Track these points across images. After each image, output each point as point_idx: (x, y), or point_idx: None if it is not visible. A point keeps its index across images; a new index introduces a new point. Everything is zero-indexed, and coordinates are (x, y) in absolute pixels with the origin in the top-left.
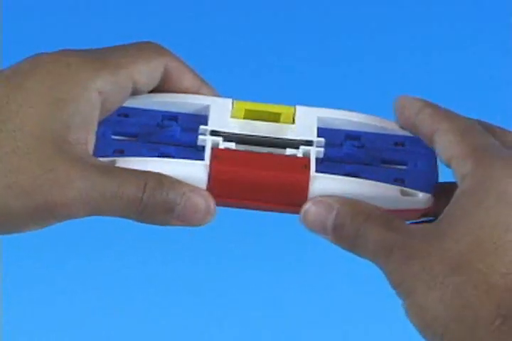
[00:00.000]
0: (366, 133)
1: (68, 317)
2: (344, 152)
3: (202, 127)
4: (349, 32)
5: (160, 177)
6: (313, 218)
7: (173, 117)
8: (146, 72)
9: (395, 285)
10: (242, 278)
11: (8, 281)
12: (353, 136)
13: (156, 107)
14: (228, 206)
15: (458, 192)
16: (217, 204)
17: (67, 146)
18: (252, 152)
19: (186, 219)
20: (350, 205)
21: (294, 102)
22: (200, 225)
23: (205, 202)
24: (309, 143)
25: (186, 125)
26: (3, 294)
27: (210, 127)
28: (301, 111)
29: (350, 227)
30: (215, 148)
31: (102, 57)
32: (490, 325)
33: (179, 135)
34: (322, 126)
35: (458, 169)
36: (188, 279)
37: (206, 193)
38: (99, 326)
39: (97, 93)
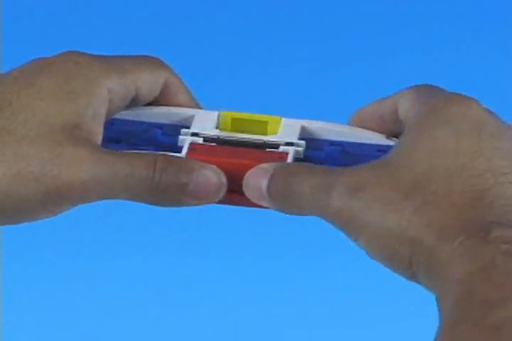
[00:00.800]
0: (350, 143)
1: (68, 316)
2: (325, 154)
3: (183, 130)
4: (342, 40)
5: (168, 157)
6: (251, 183)
7: (158, 126)
8: (149, 81)
9: (343, 224)
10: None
11: (8, 281)
12: (335, 144)
13: (142, 118)
14: (227, 202)
15: (405, 128)
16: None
17: (78, 132)
18: (229, 147)
19: (200, 195)
20: (287, 165)
21: (282, 112)
22: (212, 201)
23: (216, 175)
24: (290, 144)
25: (169, 131)
26: (3, 294)
27: (191, 130)
28: (286, 122)
29: (283, 182)
30: (192, 143)
31: (109, 61)
32: (453, 241)
33: (160, 137)
34: (306, 136)
35: (408, 114)
36: (186, 277)
37: (215, 167)
38: (99, 325)
39: (107, 90)
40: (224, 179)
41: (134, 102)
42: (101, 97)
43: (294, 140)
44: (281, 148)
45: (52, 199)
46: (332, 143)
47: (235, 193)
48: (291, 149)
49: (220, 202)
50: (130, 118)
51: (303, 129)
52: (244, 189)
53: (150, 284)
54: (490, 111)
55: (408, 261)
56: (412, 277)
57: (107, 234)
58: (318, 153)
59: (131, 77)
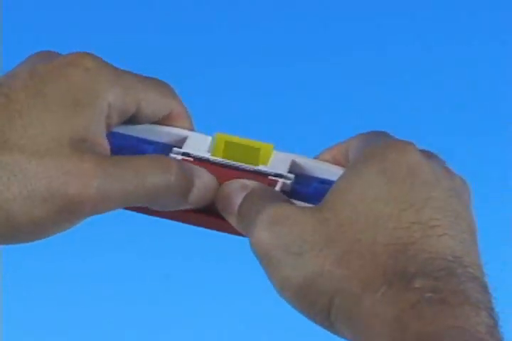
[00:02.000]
0: None
1: (68, 317)
2: (312, 191)
3: (175, 149)
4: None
5: (173, 159)
6: (225, 194)
7: (150, 143)
8: (154, 104)
9: (260, 257)
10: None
11: (8, 281)
12: (324, 182)
13: (135, 134)
14: (191, 222)
15: (343, 171)
16: (182, 220)
17: (84, 145)
18: (221, 165)
19: (200, 198)
20: (265, 188)
21: (278, 137)
22: (207, 202)
23: (212, 179)
24: (279, 175)
25: (161, 149)
26: (3, 294)
27: (183, 150)
28: (277, 154)
29: (250, 204)
30: (183, 159)
31: (118, 73)
32: (376, 292)
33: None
34: (295, 171)
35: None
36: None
37: (209, 173)
38: (98, 326)
39: (108, 105)
40: (216, 181)
41: (135, 119)
42: (101, 111)
43: (284, 172)
44: (270, 178)
45: (64, 217)
46: (321, 181)
47: (219, 217)
48: (280, 181)
49: (202, 225)
50: (122, 131)
51: (293, 163)
52: (217, 197)
53: (148, 286)
54: (429, 158)
55: (327, 311)
56: (330, 326)
57: (107, 235)
58: (305, 189)
59: (134, 95)
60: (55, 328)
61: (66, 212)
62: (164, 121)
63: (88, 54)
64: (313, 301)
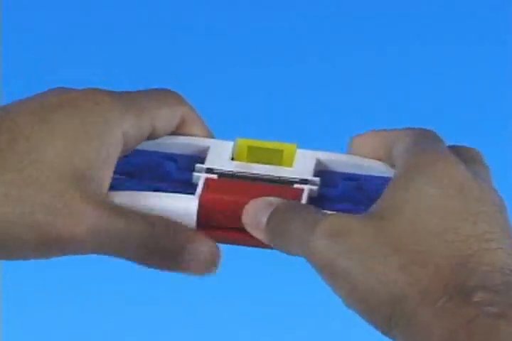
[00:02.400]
0: (365, 176)
1: (68, 317)
2: (340, 192)
3: (198, 165)
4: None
5: (167, 223)
6: (251, 212)
7: (172, 158)
8: (166, 119)
9: (321, 267)
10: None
11: (8, 282)
12: (351, 178)
13: (156, 148)
14: (222, 241)
15: (394, 176)
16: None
17: (84, 182)
18: (245, 182)
19: (190, 267)
20: (289, 203)
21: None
22: (203, 275)
23: (210, 252)
24: (304, 181)
25: (184, 164)
26: (3, 294)
27: (205, 165)
28: (301, 153)
29: (281, 218)
30: (208, 178)
31: (128, 100)
32: (435, 303)
33: (175, 173)
34: (321, 168)
35: (399, 160)
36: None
37: (213, 243)
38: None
39: (122, 134)
40: (218, 256)
41: (152, 136)
42: (114, 141)
43: (309, 177)
44: (296, 185)
45: (49, 247)
46: (347, 177)
47: (247, 233)
48: (305, 188)
49: (233, 242)
50: (143, 148)
51: (318, 162)
52: (244, 215)
53: (149, 288)
54: (474, 173)
55: (388, 317)
56: (388, 332)
57: None
58: (333, 191)
59: (148, 116)
60: (55, 329)
61: (49, 245)
62: (179, 129)
63: (97, 89)
64: (376, 307)
